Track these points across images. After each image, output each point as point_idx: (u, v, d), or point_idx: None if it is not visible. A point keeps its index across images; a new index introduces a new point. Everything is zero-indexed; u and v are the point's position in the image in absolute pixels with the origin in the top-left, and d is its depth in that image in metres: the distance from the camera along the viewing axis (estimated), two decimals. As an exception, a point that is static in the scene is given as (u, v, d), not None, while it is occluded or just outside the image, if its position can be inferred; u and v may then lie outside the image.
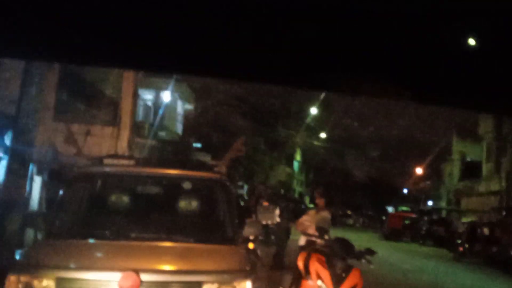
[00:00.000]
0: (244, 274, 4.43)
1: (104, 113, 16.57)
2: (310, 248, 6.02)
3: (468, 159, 35.60)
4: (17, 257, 4.71)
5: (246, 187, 34.35)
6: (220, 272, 4.37)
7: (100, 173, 5.55)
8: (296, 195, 48.92)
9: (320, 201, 7.35)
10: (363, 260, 5.55)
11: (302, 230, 6.80)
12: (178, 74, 19.06)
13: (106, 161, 5.53)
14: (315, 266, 5.38)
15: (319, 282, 5.27)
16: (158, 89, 24.34)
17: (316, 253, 5.57)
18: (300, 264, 6.02)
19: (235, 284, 4.33)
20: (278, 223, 13.05)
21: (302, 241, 6.89)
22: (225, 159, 6.10)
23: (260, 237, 8.68)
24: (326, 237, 5.72)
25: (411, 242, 26.88)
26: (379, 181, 44.03)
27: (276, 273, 9.26)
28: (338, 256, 5.34)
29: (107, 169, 5.47)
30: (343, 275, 5.25)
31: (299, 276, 5.99)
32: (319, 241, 5.90)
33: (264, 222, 9.32)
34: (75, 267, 4.33)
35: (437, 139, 36.50)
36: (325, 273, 5.27)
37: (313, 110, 34.99)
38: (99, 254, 4.72)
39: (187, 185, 5.61)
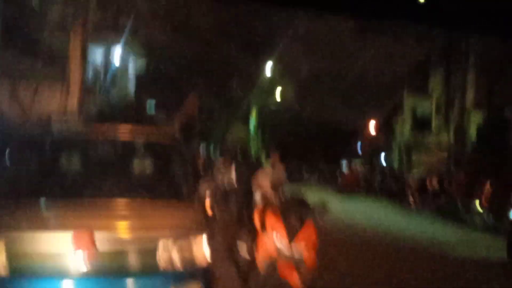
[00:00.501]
0: (198, 229, 4.45)
1: (52, 70, 15.96)
2: (265, 203, 6.10)
3: (419, 113, 36.51)
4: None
5: (202, 147, 34.28)
6: (175, 227, 4.37)
7: (49, 134, 5.37)
8: (253, 154, 49.20)
9: (275, 157, 7.43)
10: (318, 214, 5.67)
11: (257, 187, 6.88)
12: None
13: (54, 122, 5.35)
14: (270, 220, 5.47)
15: (275, 235, 5.36)
16: (108, 45, 23.57)
17: (271, 208, 5.65)
18: (256, 219, 6.10)
19: (191, 238, 4.34)
20: (233, 183, 13.06)
21: (257, 197, 6.98)
22: (177, 117, 6.02)
23: (217, 197, 8.73)
24: (280, 192, 5.81)
25: (365, 195, 27.70)
26: (333, 137, 44.76)
27: (233, 229, 9.36)
28: (293, 210, 5.43)
29: (55, 129, 5.31)
30: (298, 227, 5.36)
31: (255, 231, 6.08)
32: (273, 196, 5.99)
33: (220, 182, 9.39)
34: (26, 228, 4.22)
35: (388, 94, 37.24)
36: (280, 226, 5.36)
37: (266, 68, 34.91)
38: (50, 213, 4.62)
39: (139, 146, 5.51)
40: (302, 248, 5.31)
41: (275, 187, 5.86)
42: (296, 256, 5.30)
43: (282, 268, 5.24)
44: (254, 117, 53.79)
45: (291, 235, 5.27)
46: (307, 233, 5.37)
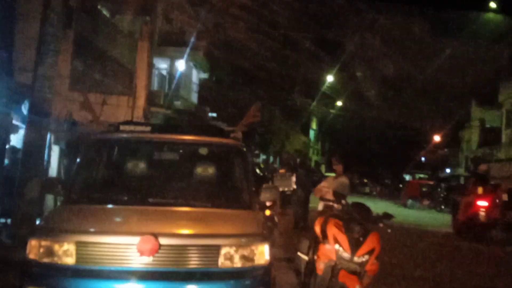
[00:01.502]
0: (261, 237, 4.43)
1: (119, 83, 16.62)
2: (327, 213, 6.01)
3: (487, 125, 35.13)
4: (38, 222, 4.76)
5: (262, 156, 34.42)
6: (238, 236, 4.38)
7: (117, 139, 5.55)
8: (313, 164, 48.88)
9: (338, 167, 7.33)
10: (381, 225, 5.53)
11: (320, 196, 6.80)
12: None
13: (123, 127, 5.52)
14: (333, 230, 5.36)
15: (337, 246, 5.25)
16: (173, 58, 24.22)
17: (334, 218, 5.55)
18: (317, 228, 6.02)
19: (253, 247, 4.33)
20: (294, 190, 13.18)
21: (320, 206, 6.89)
22: (241, 124, 6.03)
23: (278, 204, 8.73)
24: (343, 202, 5.70)
25: (429, 209, 26.84)
26: (396, 149, 43.81)
27: (293, 238, 9.31)
28: (356, 221, 5.32)
29: (124, 135, 5.47)
30: (361, 239, 5.23)
31: (316, 241, 6.00)
32: (336, 206, 5.88)
33: (280, 189, 9.37)
34: (95, 231, 4.37)
35: (455, 106, 36.02)
36: (342, 237, 5.25)
37: (329, 78, 34.65)
38: (117, 219, 4.76)
39: (203, 151, 5.60)
40: (365, 260, 5.19)
41: (338, 196, 5.75)
42: (359, 267, 5.18)
43: (342, 275, 5.13)
44: (315, 126, 53.52)
45: (354, 247, 5.15)
46: (370, 245, 5.23)
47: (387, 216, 5.54)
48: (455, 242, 14.34)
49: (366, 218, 5.40)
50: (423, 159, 46.58)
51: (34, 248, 4.20)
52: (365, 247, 5.20)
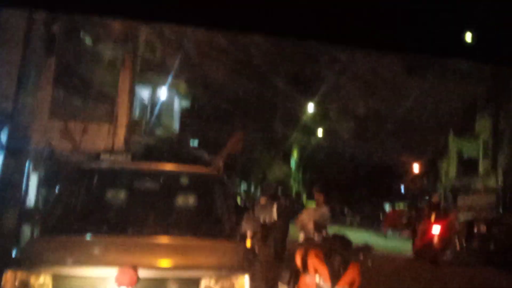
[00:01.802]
0: (241, 269, 4.41)
1: (100, 110, 16.52)
2: (308, 244, 6.01)
3: (465, 156, 35.64)
4: (14, 253, 4.67)
5: (242, 185, 34.35)
6: (218, 268, 4.35)
7: (97, 168, 5.51)
8: (293, 193, 48.87)
9: (319, 198, 7.37)
10: (361, 256, 5.53)
11: (301, 227, 6.81)
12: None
13: (103, 156, 5.50)
14: (313, 261, 5.36)
15: (317, 278, 5.24)
16: (155, 85, 24.24)
17: (314, 249, 5.55)
18: (298, 260, 6.00)
19: (233, 279, 4.31)
20: (275, 221, 13.09)
21: (300, 237, 6.90)
22: (222, 154, 6.06)
23: (259, 236, 8.68)
24: (324, 233, 5.71)
25: (410, 239, 26.85)
26: (376, 179, 44.10)
27: (274, 270, 9.24)
28: (336, 252, 5.32)
29: (104, 164, 5.44)
30: (341, 270, 5.23)
31: (297, 272, 5.98)
32: (317, 237, 5.89)
33: (261, 220, 9.35)
34: (72, 263, 4.29)
35: (433, 137, 36.59)
36: (323, 268, 5.25)
37: (310, 109, 34.98)
38: (96, 250, 4.69)
39: (183, 181, 5.59)
40: (346, 291, 5.18)
41: (318, 227, 5.76)
42: (339, 299, 5.17)
43: None
44: (295, 156, 53.71)
45: (335, 278, 5.15)
46: (351, 276, 5.23)
47: (367, 247, 5.56)
48: (414, 265, 15.79)
49: (347, 250, 5.41)
50: (402, 189, 46.93)
51: (10, 280, 4.11)
52: (345, 279, 5.20)
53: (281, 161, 43.75)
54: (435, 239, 16.12)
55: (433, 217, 16.85)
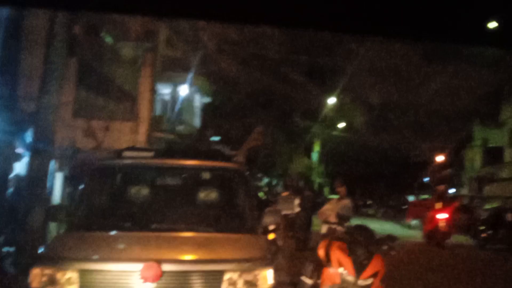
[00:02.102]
0: (265, 262, 4.43)
1: (122, 109, 16.73)
2: (331, 236, 5.99)
3: (490, 145, 35.08)
4: (40, 250, 4.76)
5: (265, 179, 34.38)
6: (242, 261, 4.37)
7: (120, 165, 5.58)
8: (316, 186, 48.71)
9: (341, 190, 7.35)
10: (385, 247, 5.50)
11: (324, 219, 6.79)
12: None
13: (126, 153, 5.56)
14: (337, 253, 5.34)
15: (341, 270, 5.23)
16: (175, 83, 24.37)
17: (337, 241, 5.53)
18: (321, 252, 5.99)
19: (257, 272, 4.32)
20: (297, 213, 13.12)
21: (323, 229, 6.88)
22: (243, 149, 6.08)
23: (281, 227, 8.69)
24: (347, 224, 5.69)
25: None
26: (399, 170, 43.67)
27: (297, 262, 9.24)
28: (360, 243, 5.30)
29: (127, 161, 5.51)
30: (365, 262, 5.21)
31: (320, 265, 5.97)
32: (340, 228, 5.87)
33: (284, 212, 9.35)
34: (98, 259, 4.37)
35: (458, 126, 36.06)
36: (346, 261, 5.23)
37: (332, 100, 34.77)
38: (120, 246, 4.76)
39: (205, 175, 5.62)
40: (369, 283, 5.16)
41: (341, 219, 5.74)
42: (363, 290, 5.15)
43: None
44: (317, 149, 53.44)
45: (359, 270, 5.13)
46: (375, 267, 5.20)
47: (391, 238, 5.52)
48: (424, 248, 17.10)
49: (370, 241, 5.37)
50: (426, 179, 46.40)
51: (37, 277, 4.20)
52: (369, 270, 5.18)
53: (302, 154, 43.65)
54: (440, 225, 17.78)
55: (438, 206, 18.61)
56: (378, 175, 45.55)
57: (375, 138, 39.53)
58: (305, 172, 40.17)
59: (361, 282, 5.13)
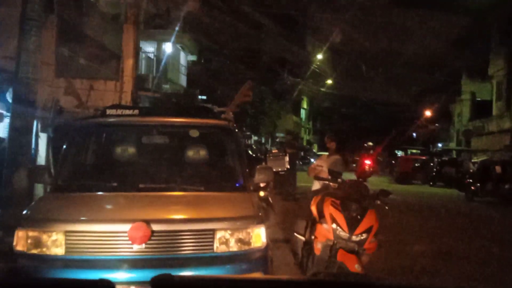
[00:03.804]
0: (257, 219, 4.31)
1: (106, 68, 16.31)
2: (323, 192, 5.88)
3: (478, 99, 35.16)
4: (25, 212, 4.59)
5: (253, 137, 34.26)
6: (233, 219, 4.24)
7: (104, 123, 5.36)
8: (304, 143, 48.83)
9: (331, 145, 7.21)
10: (378, 202, 5.40)
11: (315, 175, 6.66)
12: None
13: (110, 111, 5.33)
14: (330, 209, 5.24)
15: (334, 225, 5.13)
16: (160, 41, 23.87)
17: (330, 197, 5.42)
18: (314, 208, 5.90)
19: (249, 230, 4.21)
20: (287, 170, 13.14)
21: (315, 186, 6.77)
22: (232, 104, 5.86)
23: (271, 184, 8.59)
24: (339, 180, 5.56)
25: (422, 184, 26.88)
26: (387, 125, 43.81)
27: (287, 218, 9.22)
28: (353, 199, 5.19)
29: (111, 119, 5.29)
30: (358, 217, 5.11)
31: (313, 221, 5.89)
32: (332, 184, 5.75)
33: (274, 169, 9.18)
34: (84, 220, 4.21)
35: (446, 80, 35.97)
36: (340, 216, 5.13)
37: (319, 56, 34.41)
38: (108, 206, 4.61)
39: (194, 133, 5.42)
40: (363, 238, 5.07)
41: (333, 174, 5.60)
42: (357, 245, 5.07)
43: (341, 254, 5.02)
44: (305, 106, 53.30)
45: (352, 226, 5.03)
46: (368, 223, 5.11)
47: (384, 193, 5.41)
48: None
49: (363, 196, 5.26)
50: (414, 134, 46.67)
51: (22, 239, 4.04)
52: (363, 226, 5.09)
53: (291, 111, 43.46)
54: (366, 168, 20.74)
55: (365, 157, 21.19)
56: (366, 130, 45.66)
57: (363, 95, 39.40)
58: (294, 129, 40.10)
59: (354, 237, 5.04)
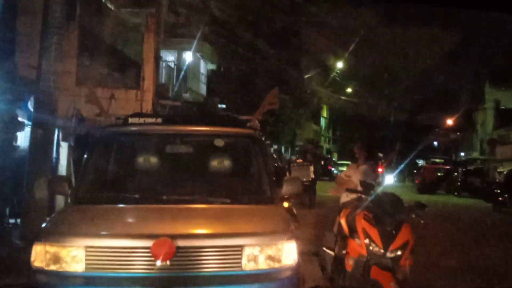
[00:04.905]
0: (288, 235, 4.04)
1: (127, 77, 16.31)
2: (354, 204, 5.59)
3: (502, 107, 34.48)
4: (43, 225, 4.39)
5: (274, 146, 34.02)
6: (262, 234, 3.98)
7: (126, 132, 5.16)
8: (324, 152, 48.41)
9: (362, 154, 6.91)
10: (413, 215, 5.10)
11: (346, 187, 6.36)
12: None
13: (132, 119, 5.13)
14: (362, 223, 4.95)
15: (367, 241, 4.85)
16: (180, 50, 23.85)
17: (362, 210, 5.13)
18: (343, 222, 5.62)
19: (279, 246, 3.94)
20: (312, 180, 12.88)
21: (344, 198, 6.47)
22: (258, 113, 5.61)
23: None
24: (372, 192, 5.27)
25: (446, 194, 26.30)
26: (408, 134, 43.23)
27: (315, 232, 8.94)
28: (386, 212, 4.90)
29: (133, 128, 5.08)
30: (393, 232, 4.82)
31: (343, 235, 5.60)
32: (364, 196, 5.45)
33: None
34: (105, 235, 4.00)
35: (468, 88, 35.38)
36: (373, 231, 4.84)
37: (339, 65, 34.11)
38: (130, 220, 4.39)
39: (219, 142, 5.16)
40: (399, 254, 4.78)
41: (367, 187, 5.31)
42: (392, 262, 4.78)
43: (375, 271, 4.72)
44: (325, 114, 52.92)
45: (387, 241, 4.73)
46: (404, 238, 4.81)
47: (419, 206, 5.12)
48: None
49: (398, 209, 4.97)
50: (435, 143, 45.95)
51: (40, 255, 3.84)
52: (398, 241, 4.79)
53: (311, 119, 43.14)
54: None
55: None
56: (386, 139, 45.06)
57: (385, 102, 38.94)
58: (314, 138, 39.73)
59: (389, 254, 4.75)
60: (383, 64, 33.51)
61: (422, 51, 31.37)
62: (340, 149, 54.79)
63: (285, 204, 7.82)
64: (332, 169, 33.45)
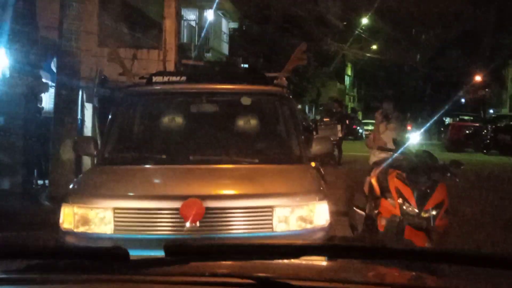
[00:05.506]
0: (320, 195, 3.91)
1: (148, 36, 16.11)
2: (387, 163, 5.40)
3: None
4: (71, 186, 4.34)
5: (298, 106, 33.66)
6: (293, 194, 3.86)
7: (151, 91, 5.03)
8: (349, 111, 47.83)
9: (392, 113, 6.67)
10: (448, 174, 4.91)
11: (374, 146, 6.17)
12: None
13: (156, 78, 4.98)
14: (395, 182, 4.79)
15: (400, 200, 4.69)
16: (201, 8, 23.46)
17: (395, 169, 4.96)
18: (374, 181, 5.47)
19: (311, 206, 3.82)
20: (339, 138, 12.69)
21: (374, 157, 6.28)
22: (286, 69, 5.39)
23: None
24: (405, 150, 5.07)
25: (474, 152, 25.77)
26: (434, 91, 42.30)
27: (343, 192, 8.78)
28: (421, 171, 4.72)
29: (158, 87, 4.94)
30: (428, 191, 4.65)
31: (374, 195, 5.44)
32: (396, 155, 5.26)
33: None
34: (134, 196, 3.93)
35: (497, 44, 34.19)
36: (407, 190, 4.68)
37: (364, 20, 33.21)
38: (157, 181, 4.31)
39: (246, 101, 4.99)
40: (434, 214, 4.62)
41: (398, 145, 5.12)
42: (426, 222, 4.63)
43: (408, 231, 4.59)
44: (350, 72, 52.06)
45: (421, 201, 4.58)
46: (439, 198, 4.65)
47: (455, 164, 4.91)
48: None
49: (432, 168, 4.78)
50: (463, 100, 44.92)
51: (68, 216, 3.79)
52: (433, 200, 4.63)
53: (335, 78, 42.48)
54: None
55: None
56: (412, 97, 44.21)
57: (410, 59, 37.95)
58: (338, 97, 39.18)
59: (424, 213, 4.60)
60: (409, 20, 32.46)
61: (451, 6, 30.23)
62: (365, 108, 54.06)
63: (312, 164, 7.67)
64: (358, 128, 33.04)
